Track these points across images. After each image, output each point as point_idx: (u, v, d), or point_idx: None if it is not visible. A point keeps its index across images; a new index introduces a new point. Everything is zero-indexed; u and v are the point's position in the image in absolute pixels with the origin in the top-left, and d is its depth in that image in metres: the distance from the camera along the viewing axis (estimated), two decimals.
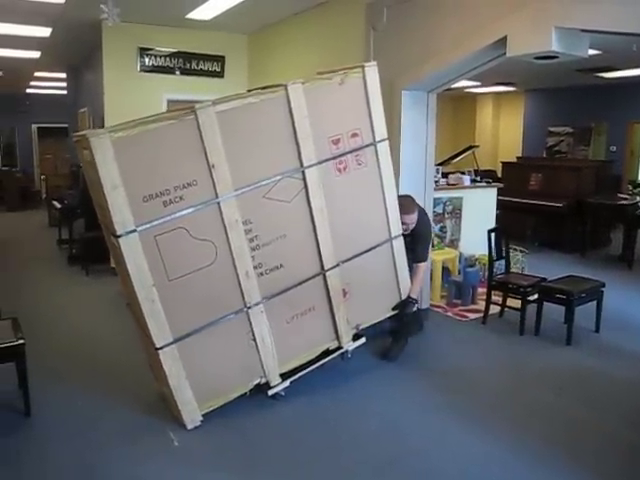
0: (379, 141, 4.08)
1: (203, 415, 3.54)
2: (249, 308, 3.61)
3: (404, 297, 4.39)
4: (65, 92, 12.01)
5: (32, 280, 7.20)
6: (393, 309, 4.36)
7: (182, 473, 3.10)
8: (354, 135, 3.96)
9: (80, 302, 6.26)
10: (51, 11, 6.42)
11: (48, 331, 5.21)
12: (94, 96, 8.08)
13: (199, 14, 6.77)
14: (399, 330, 4.57)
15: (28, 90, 14.17)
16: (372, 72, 3.99)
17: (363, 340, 4.18)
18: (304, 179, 3.72)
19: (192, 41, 7.70)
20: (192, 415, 3.51)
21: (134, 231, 3.18)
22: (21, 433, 3.49)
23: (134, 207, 3.17)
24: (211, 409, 3.58)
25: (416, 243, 4.54)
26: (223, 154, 3.39)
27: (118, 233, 3.15)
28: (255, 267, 3.61)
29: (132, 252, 3.20)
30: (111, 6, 5.64)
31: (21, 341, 3.60)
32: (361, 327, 4.18)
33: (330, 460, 3.21)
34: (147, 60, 7.47)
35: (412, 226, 4.50)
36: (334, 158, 3.87)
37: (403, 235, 4.35)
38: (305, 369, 3.90)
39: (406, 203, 4.45)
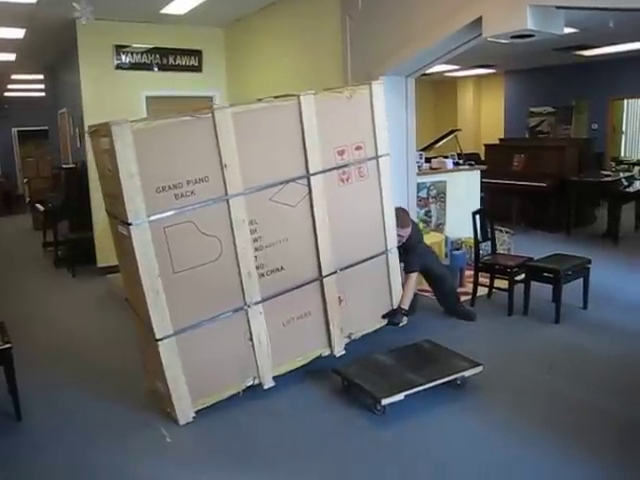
0: (381, 155, 4.23)
1: (195, 412, 3.54)
2: (249, 307, 3.66)
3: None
4: (44, 94, 11.88)
5: (18, 284, 7.15)
6: (383, 317, 4.47)
7: (175, 469, 3.10)
8: (358, 148, 4.11)
9: (67, 303, 6.22)
10: (23, 12, 6.33)
11: (36, 334, 5.18)
12: (72, 96, 7.99)
13: (173, 8, 6.70)
14: (447, 303, 5.23)
15: (6, 94, 14.01)
16: (378, 89, 4.19)
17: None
18: (309, 185, 3.85)
19: (168, 36, 7.62)
20: (185, 411, 3.50)
21: (145, 221, 3.25)
22: (12, 437, 3.47)
23: (147, 197, 3.25)
24: (204, 406, 3.58)
25: (407, 254, 4.66)
26: (236, 154, 3.51)
27: (130, 221, 3.20)
28: (257, 267, 3.68)
29: (142, 241, 3.25)
30: (84, 4, 5.57)
31: (7, 345, 3.59)
32: (353, 336, 4.24)
33: (326, 452, 3.21)
34: (124, 57, 7.38)
35: (405, 239, 4.62)
36: (338, 168, 4.01)
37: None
38: None
39: (402, 217, 4.58)
